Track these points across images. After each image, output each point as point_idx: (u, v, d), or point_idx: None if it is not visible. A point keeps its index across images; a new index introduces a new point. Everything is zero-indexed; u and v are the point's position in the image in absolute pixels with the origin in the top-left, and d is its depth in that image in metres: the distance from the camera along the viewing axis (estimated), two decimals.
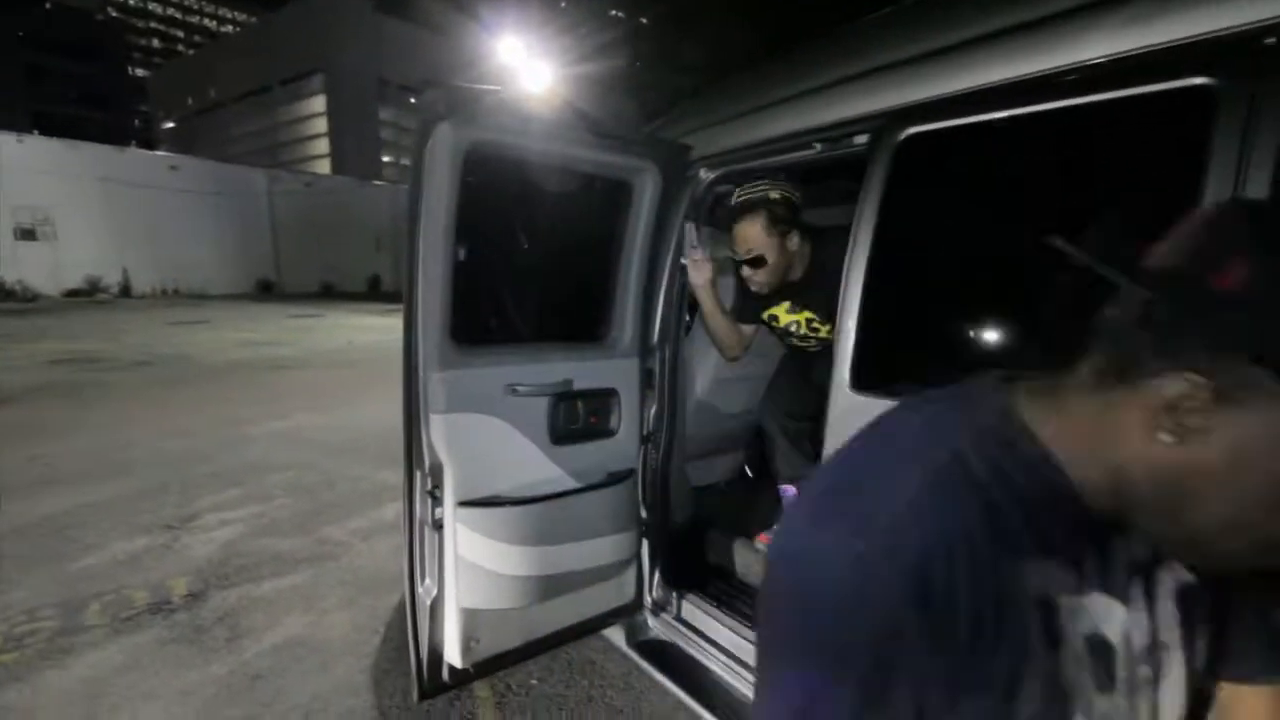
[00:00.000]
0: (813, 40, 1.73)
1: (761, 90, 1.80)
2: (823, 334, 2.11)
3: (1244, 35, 0.99)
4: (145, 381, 7.97)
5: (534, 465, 1.84)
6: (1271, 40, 0.97)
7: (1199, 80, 1.02)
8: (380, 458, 4.95)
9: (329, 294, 28.71)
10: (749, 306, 2.24)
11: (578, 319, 2.09)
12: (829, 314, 1.81)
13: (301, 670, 2.39)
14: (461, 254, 1.64)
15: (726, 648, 1.98)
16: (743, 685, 1.92)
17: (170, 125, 56.21)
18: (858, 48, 1.58)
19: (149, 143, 52.32)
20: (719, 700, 1.88)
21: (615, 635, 2.20)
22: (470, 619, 1.74)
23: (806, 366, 2.27)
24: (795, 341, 2.26)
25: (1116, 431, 0.47)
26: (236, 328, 14.55)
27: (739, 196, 1.99)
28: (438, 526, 1.72)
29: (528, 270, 1.98)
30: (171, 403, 6.83)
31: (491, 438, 1.76)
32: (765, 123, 1.77)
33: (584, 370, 1.93)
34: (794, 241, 1.99)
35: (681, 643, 2.07)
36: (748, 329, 2.30)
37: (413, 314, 1.59)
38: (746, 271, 2.02)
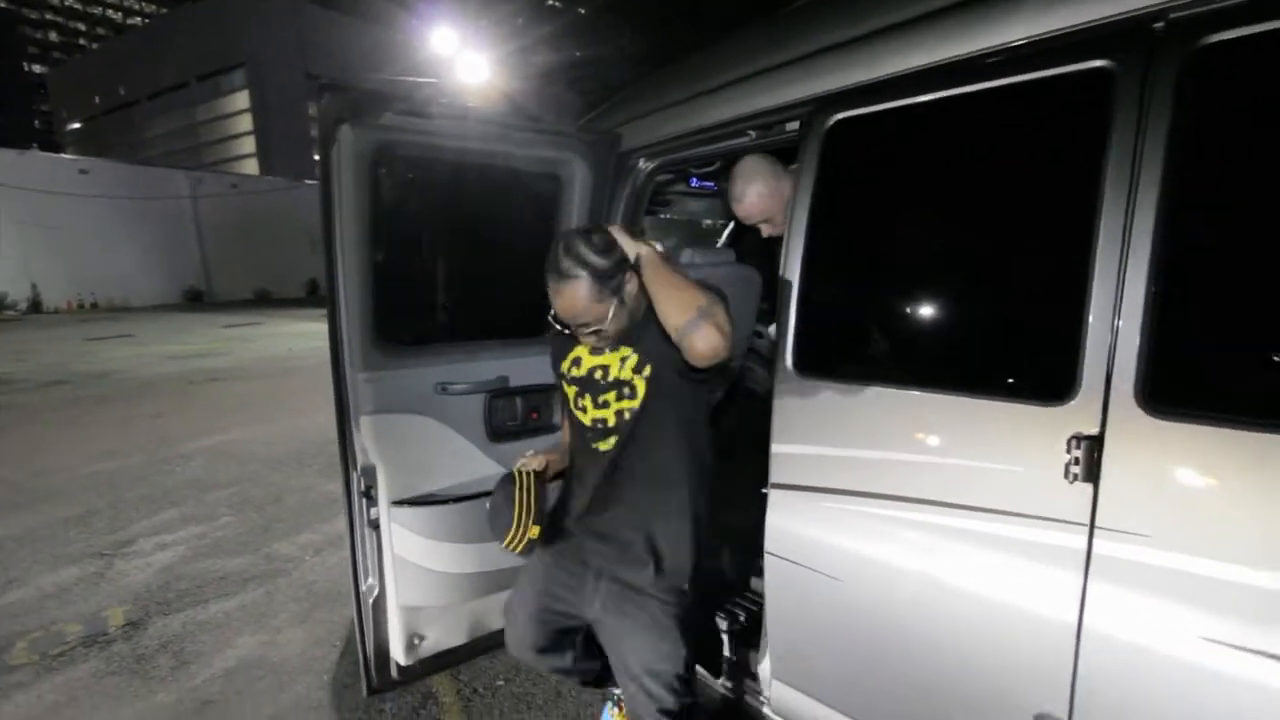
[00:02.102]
0: (742, 28, 1.75)
1: (694, 78, 1.82)
2: (639, 388, 1.41)
3: (1138, 20, 1.06)
4: (63, 402, 7.46)
5: (470, 463, 1.85)
6: (1160, 25, 1.04)
7: (1099, 63, 1.08)
8: (329, 468, 4.79)
9: (265, 300, 27.48)
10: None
11: (512, 315, 2.04)
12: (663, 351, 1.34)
13: (256, 692, 2.30)
14: (380, 255, 1.62)
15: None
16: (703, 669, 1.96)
17: (76, 126, 52.36)
18: (786, 35, 1.61)
19: (53, 145, 48.64)
20: None
21: None
22: (411, 616, 1.76)
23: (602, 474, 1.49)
24: (582, 412, 1.49)
25: None
26: (164, 341, 13.76)
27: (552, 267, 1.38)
28: (374, 526, 1.73)
29: (454, 268, 1.96)
30: (94, 423, 6.42)
31: (423, 437, 1.76)
32: (700, 111, 1.79)
33: (522, 366, 1.92)
34: (632, 287, 1.38)
35: None
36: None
37: (336, 317, 1.59)
38: (582, 335, 1.43)
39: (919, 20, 1.31)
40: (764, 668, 1.68)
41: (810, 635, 1.54)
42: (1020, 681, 1.17)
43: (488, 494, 1.83)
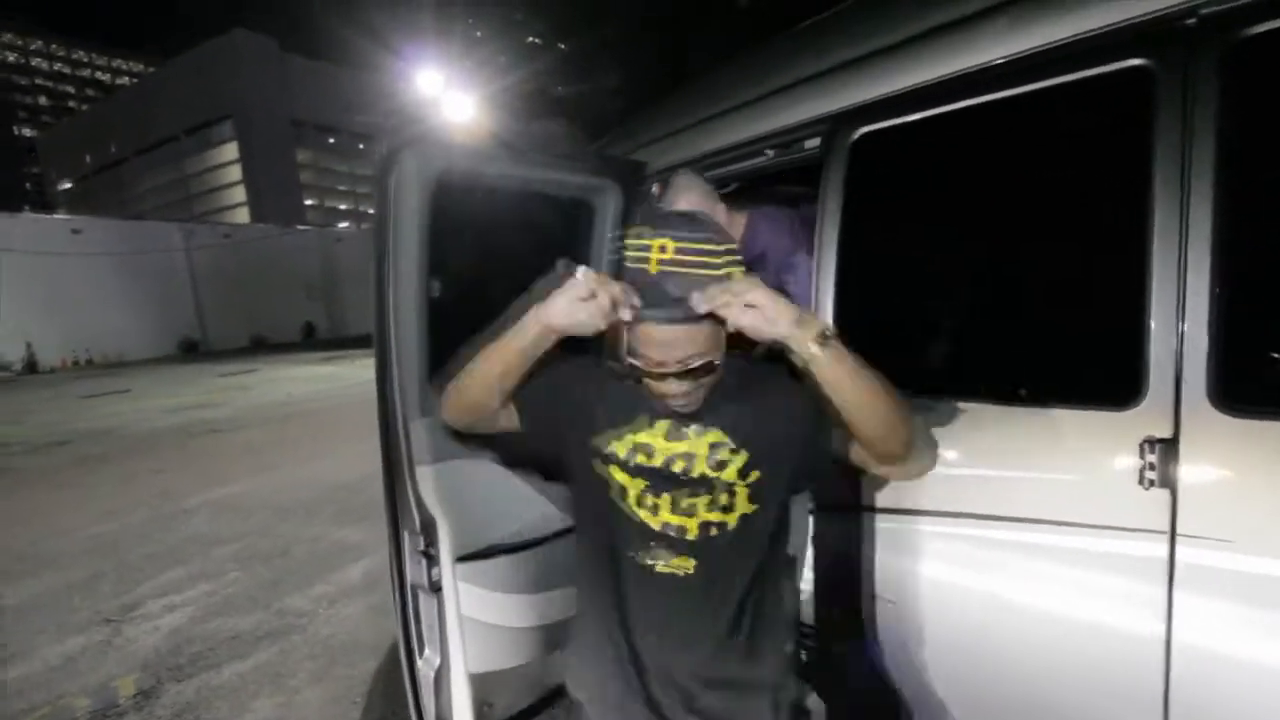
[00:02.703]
0: (756, 47, 1.74)
1: (708, 100, 1.80)
2: (739, 498, 1.10)
3: (1169, 18, 1.04)
4: (62, 463, 7.33)
5: (527, 505, 1.74)
6: (1193, 21, 1.02)
7: (1137, 61, 1.06)
8: (339, 515, 4.69)
9: (260, 347, 27.38)
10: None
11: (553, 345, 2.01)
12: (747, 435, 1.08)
13: None
14: (436, 289, 1.54)
15: None
16: None
17: (67, 186, 52.79)
18: (800, 52, 1.60)
19: (45, 206, 49.00)
20: None
21: None
22: (482, 684, 1.60)
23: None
24: (647, 512, 1.12)
25: None
26: (161, 394, 13.64)
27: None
28: (435, 589, 1.54)
29: (500, 298, 1.90)
30: (95, 483, 6.30)
31: (483, 482, 1.64)
32: (714, 133, 1.77)
33: None
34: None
35: None
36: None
37: (387, 359, 1.46)
38: (674, 387, 1.03)
39: (945, 28, 1.30)
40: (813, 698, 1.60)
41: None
42: (1107, 704, 1.10)
43: (548, 538, 1.74)
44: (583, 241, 1.95)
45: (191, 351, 26.36)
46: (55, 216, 26.68)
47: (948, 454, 1.26)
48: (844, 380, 0.97)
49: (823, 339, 0.95)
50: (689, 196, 1.79)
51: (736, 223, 1.92)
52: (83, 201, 48.75)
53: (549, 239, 1.97)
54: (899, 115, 1.36)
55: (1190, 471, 0.99)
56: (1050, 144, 1.23)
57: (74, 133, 56.19)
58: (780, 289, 1.17)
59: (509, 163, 1.64)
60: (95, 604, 3.55)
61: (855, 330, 1.40)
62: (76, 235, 23.80)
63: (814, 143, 1.57)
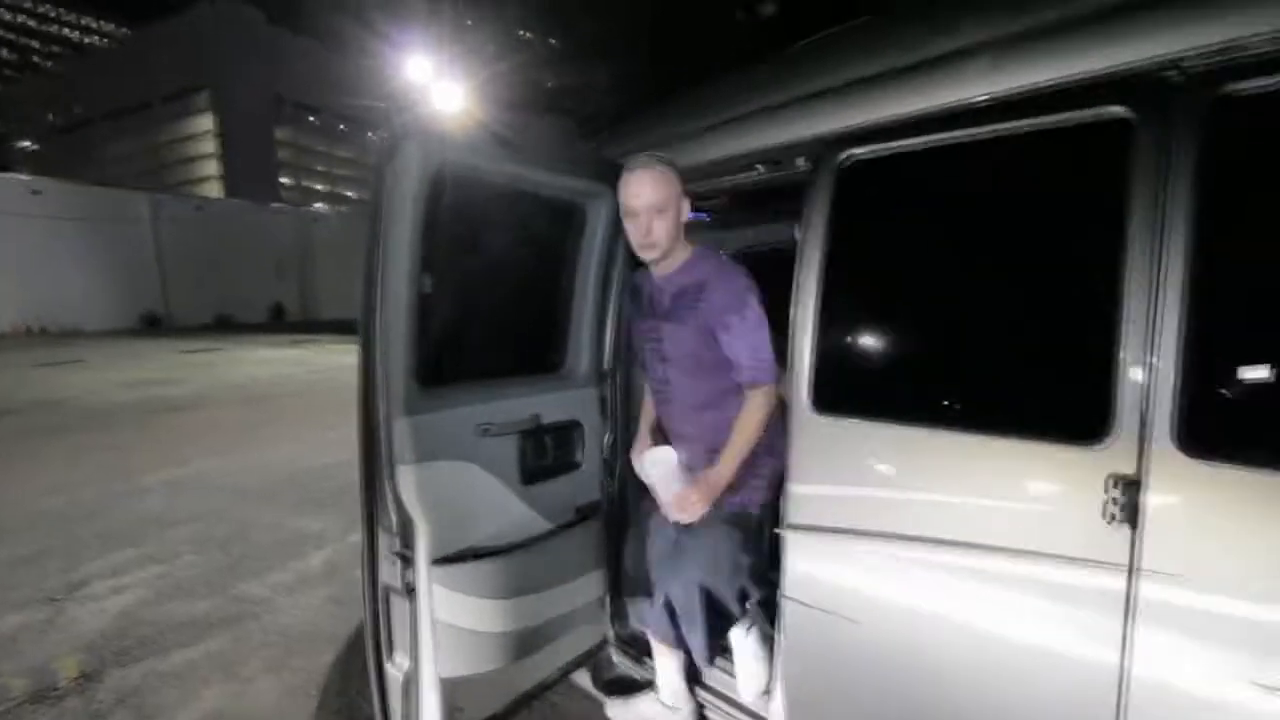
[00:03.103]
0: (752, 64, 1.77)
1: (704, 112, 1.82)
2: None
3: (1153, 69, 1.09)
4: (10, 433, 7.04)
5: (507, 510, 1.72)
6: (1174, 74, 1.08)
7: (1118, 109, 1.11)
8: (299, 503, 4.59)
9: (226, 326, 26.64)
10: None
11: (538, 349, 2.00)
12: None
13: None
14: (427, 285, 1.51)
15: (703, 680, 1.95)
16: (714, 715, 1.89)
17: (28, 145, 50.69)
18: (799, 71, 1.63)
19: (3, 164, 46.97)
20: None
21: (579, 676, 2.12)
22: (453, 689, 1.58)
23: None
24: None
25: None
26: (119, 367, 13.18)
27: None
28: (409, 591, 1.52)
29: (490, 300, 1.86)
30: (45, 456, 6.06)
31: (464, 485, 1.62)
32: (709, 144, 1.79)
33: (547, 403, 1.85)
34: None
35: (651, 677, 2.01)
36: None
37: (371, 355, 1.42)
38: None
39: (929, 64, 1.34)
40: (776, 711, 1.63)
41: (828, 680, 1.49)
42: None
43: (527, 543, 1.74)
44: (574, 243, 1.95)
45: (153, 326, 25.52)
46: (16, 175, 25.54)
47: (919, 480, 1.30)
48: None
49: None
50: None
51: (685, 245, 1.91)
52: (44, 162, 46.79)
53: (540, 238, 1.96)
54: (885, 142, 1.39)
55: (1152, 509, 1.03)
56: (1030, 183, 1.28)
57: (38, 90, 54.01)
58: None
59: (508, 160, 1.63)
60: (39, 581, 3.41)
61: (832, 352, 1.44)
62: (36, 196, 22.86)
63: (803, 162, 1.60)
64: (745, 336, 1.58)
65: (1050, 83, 1.19)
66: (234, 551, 3.77)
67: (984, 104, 1.26)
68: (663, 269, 1.70)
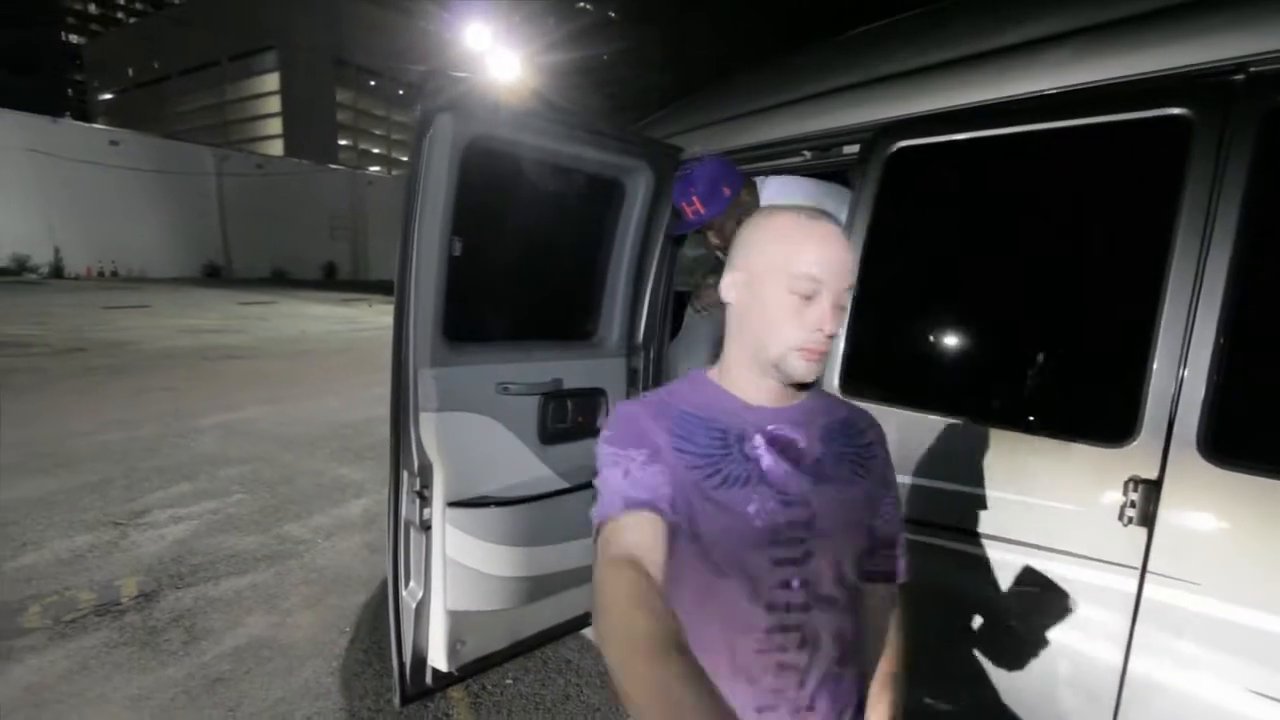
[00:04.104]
0: (808, 48, 1.76)
1: (755, 95, 1.82)
2: None
3: (1217, 71, 1.06)
4: (80, 369, 7.53)
5: (523, 465, 1.82)
6: (1240, 77, 1.04)
7: (1177, 110, 1.08)
8: (341, 452, 4.81)
9: (281, 280, 27.67)
10: None
11: (568, 317, 2.07)
12: None
13: (265, 673, 2.31)
14: (457, 248, 1.60)
15: None
16: None
17: (108, 97, 53.08)
18: (852, 58, 1.62)
19: (84, 114, 49.27)
20: None
21: (593, 632, 2.20)
22: (458, 621, 1.71)
23: None
24: None
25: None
26: (180, 314, 13.89)
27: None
28: (425, 528, 1.67)
29: (521, 267, 1.95)
30: (111, 392, 6.48)
31: (482, 437, 1.73)
32: (756, 128, 1.79)
33: (572, 369, 1.92)
34: None
35: None
36: None
37: (404, 309, 1.54)
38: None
39: (988, 55, 1.32)
40: None
41: None
42: (1058, 717, 1.16)
43: (539, 497, 1.84)
44: (611, 219, 1.99)
45: (213, 277, 26.72)
46: (96, 126, 26.86)
47: (941, 468, 1.31)
48: None
49: None
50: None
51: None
52: (121, 114, 48.98)
53: (576, 212, 2.01)
54: (937, 133, 1.38)
55: (1169, 514, 1.03)
56: (1077, 182, 1.26)
57: (119, 44, 56.24)
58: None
59: (545, 133, 1.68)
60: (105, 506, 3.69)
61: (865, 338, 1.45)
62: (114, 147, 24.03)
63: (853, 149, 1.59)
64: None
65: (1111, 80, 1.16)
66: (280, 493, 4.00)
67: (1039, 99, 1.24)
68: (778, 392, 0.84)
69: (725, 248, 1.69)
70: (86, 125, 26.37)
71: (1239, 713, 0.96)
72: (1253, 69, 1.02)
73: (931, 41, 1.45)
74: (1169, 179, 1.07)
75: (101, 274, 23.54)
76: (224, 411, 5.87)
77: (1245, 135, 1.00)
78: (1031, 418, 1.21)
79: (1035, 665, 1.18)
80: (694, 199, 1.84)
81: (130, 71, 53.22)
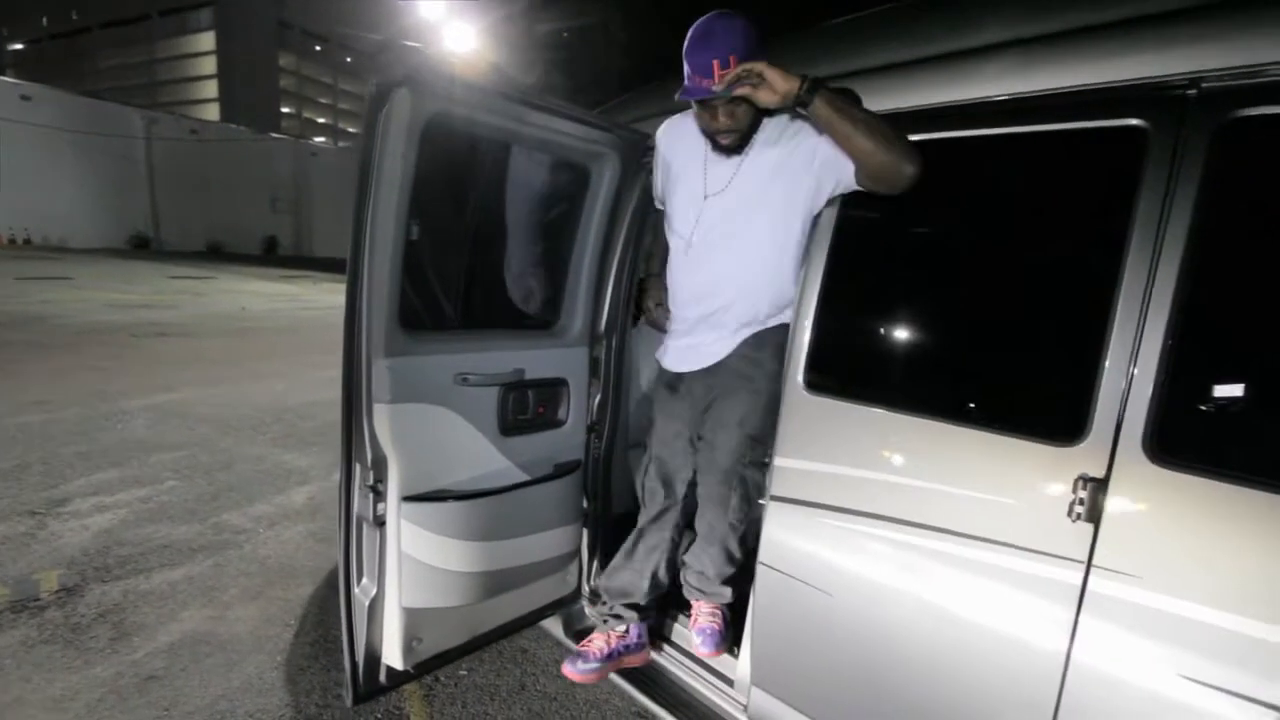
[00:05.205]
0: (783, 37, 1.74)
1: None
2: None
3: (1172, 84, 1.09)
4: None
5: (482, 457, 1.77)
6: (1194, 92, 1.08)
7: (1134, 121, 1.12)
8: (284, 438, 4.62)
9: (217, 254, 26.27)
10: None
11: (529, 305, 2.02)
12: None
13: (203, 670, 2.20)
14: (414, 233, 1.53)
15: (664, 634, 2.02)
16: (678, 670, 1.97)
17: (18, 48, 48.78)
18: (817, 53, 1.61)
19: None
20: (656, 685, 1.92)
21: (551, 624, 2.19)
22: (413, 618, 1.67)
23: None
24: None
25: None
26: (106, 287, 13.01)
27: None
28: (379, 523, 1.61)
29: (481, 254, 1.89)
30: (28, 372, 6.03)
31: (439, 429, 1.68)
32: None
33: (534, 359, 1.88)
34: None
35: None
36: None
37: (357, 296, 1.47)
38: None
39: (948, 57, 1.33)
40: (742, 673, 1.70)
41: (796, 646, 1.56)
42: (1003, 707, 1.21)
43: (499, 490, 1.79)
44: (575, 204, 1.94)
45: (142, 248, 25.12)
46: (3, 78, 24.65)
47: (898, 464, 1.34)
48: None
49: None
50: None
51: None
52: (35, 67, 45.09)
53: (539, 196, 1.96)
54: (907, 132, 1.39)
55: (1115, 511, 1.08)
56: (1038, 186, 1.29)
57: None
58: None
59: (508, 113, 1.62)
60: (20, 494, 3.44)
61: (827, 336, 1.47)
62: (26, 102, 22.14)
63: None
64: None
65: (1070, 89, 1.19)
66: (217, 481, 3.81)
67: (997, 104, 1.26)
68: None
69: (733, 132, 1.53)
70: None
71: (1172, 697, 1.02)
72: (1204, 85, 1.06)
73: (889, 42, 1.46)
74: (1124, 188, 1.11)
75: (13, 241, 21.79)
76: (156, 393, 5.55)
77: (1198, 147, 1.04)
78: (986, 416, 1.24)
79: (984, 655, 1.23)
80: (731, 60, 1.40)
81: (45, 21, 49.02)
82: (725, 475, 1.73)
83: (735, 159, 1.61)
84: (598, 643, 1.91)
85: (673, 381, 1.84)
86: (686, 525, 1.89)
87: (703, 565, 1.85)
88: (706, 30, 1.42)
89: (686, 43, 1.44)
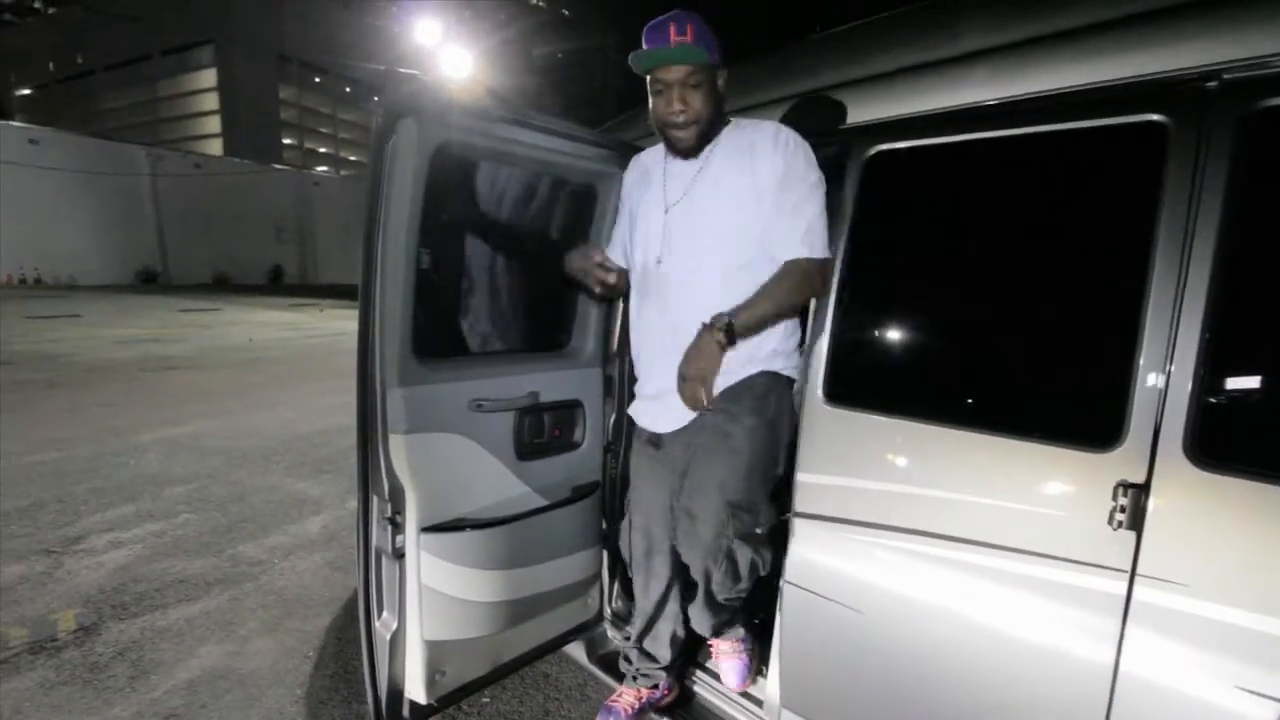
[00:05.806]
0: (778, 49, 1.74)
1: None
2: None
3: (1192, 78, 1.08)
4: (5, 385, 7.02)
5: (500, 484, 1.75)
6: (1214, 84, 1.06)
7: (1154, 116, 1.10)
8: (296, 467, 4.61)
9: (223, 286, 26.52)
10: None
11: (542, 328, 2.01)
12: None
13: (223, 706, 2.17)
14: (425, 261, 1.52)
15: (690, 658, 1.98)
16: (705, 692, 1.93)
17: (26, 93, 49.77)
18: (828, 59, 1.61)
19: (1, 112, 46.10)
20: (683, 709, 1.88)
21: (573, 649, 2.15)
22: (436, 651, 1.64)
23: None
24: None
25: None
26: (115, 323, 13.12)
27: None
28: (399, 555, 1.58)
29: (492, 278, 1.88)
30: (39, 410, 6.06)
31: (457, 457, 1.66)
32: None
33: (549, 381, 1.86)
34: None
35: None
36: None
37: (370, 326, 1.46)
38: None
39: (968, 58, 1.32)
40: (771, 694, 1.66)
41: (826, 666, 1.52)
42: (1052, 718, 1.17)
43: (518, 517, 1.77)
44: (582, 225, 1.94)
45: (150, 283, 25.38)
46: (12, 123, 25.13)
47: (927, 476, 1.31)
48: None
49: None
50: None
51: None
52: (42, 111, 45.91)
53: (547, 218, 1.95)
54: (916, 138, 1.38)
55: (1157, 517, 1.04)
56: (1061, 186, 1.27)
57: (39, 35, 52.79)
58: None
59: (514, 137, 1.62)
60: (36, 533, 3.43)
61: (847, 344, 1.45)
62: (34, 146, 22.54)
63: (829, 152, 1.58)
64: None
65: (1090, 85, 1.18)
66: (231, 513, 3.80)
67: (1015, 104, 1.25)
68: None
69: (690, 124, 1.52)
70: (1, 123, 24.62)
71: (1226, 708, 0.98)
72: (1226, 76, 1.04)
73: (907, 45, 1.45)
74: (1148, 185, 1.09)
75: (24, 281, 22.06)
76: (167, 426, 5.56)
77: (1223, 141, 1.02)
78: (1017, 423, 1.21)
79: (1027, 672, 1.19)
80: (689, 28, 1.47)
81: (51, 65, 50.04)
82: (708, 550, 1.59)
83: (694, 164, 1.59)
84: (627, 698, 1.88)
85: (653, 439, 1.74)
86: (689, 581, 1.78)
87: (704, 630, 1.82)
88: (663, 16, 1.50)
89: (644, 33, 1.52)
